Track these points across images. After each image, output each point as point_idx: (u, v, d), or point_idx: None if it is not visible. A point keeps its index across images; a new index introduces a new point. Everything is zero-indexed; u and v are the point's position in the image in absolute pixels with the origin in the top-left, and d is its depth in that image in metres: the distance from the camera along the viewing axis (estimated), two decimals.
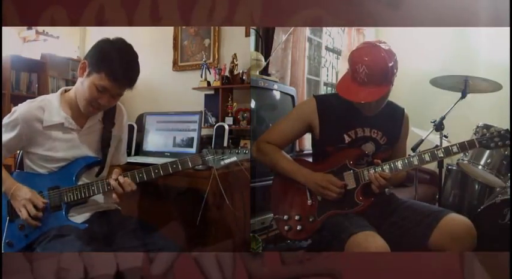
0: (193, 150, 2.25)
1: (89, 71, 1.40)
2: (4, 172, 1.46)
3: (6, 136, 1.45)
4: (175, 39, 4.16)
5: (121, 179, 1.43)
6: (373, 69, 1.46)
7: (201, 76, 3.84)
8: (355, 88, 1.49)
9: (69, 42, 4.26)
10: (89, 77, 1.40)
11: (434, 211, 1.51)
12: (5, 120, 1.46)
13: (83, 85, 1.42)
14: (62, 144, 1.48)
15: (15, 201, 1.41)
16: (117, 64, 1.37)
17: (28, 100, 1.49)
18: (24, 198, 1.40)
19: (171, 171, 1.43)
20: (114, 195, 1.44)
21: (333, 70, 3.88)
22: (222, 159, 1.41)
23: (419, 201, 2.08)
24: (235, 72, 3.68)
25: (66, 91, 1.53)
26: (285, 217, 1.59)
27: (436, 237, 1.43)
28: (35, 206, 1.40)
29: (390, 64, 1.47)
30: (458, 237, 1.41)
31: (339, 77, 3.76)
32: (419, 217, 1.50)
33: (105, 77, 1.37)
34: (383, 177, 1.49)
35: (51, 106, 1.47)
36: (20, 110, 1.46)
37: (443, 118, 2.14)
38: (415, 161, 1.52)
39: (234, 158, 1.42)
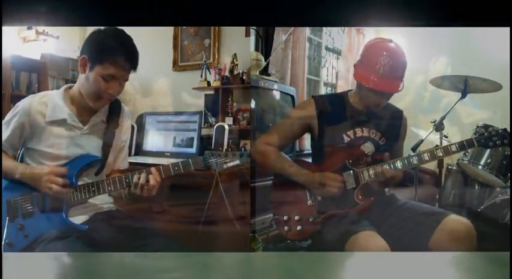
0: (193, 150, 2.25)
1: (91, 65, 1.41)
2: (12, 161, 1.46)
3: (9, 129, 1.45)
4: (175, 39, 4.14)
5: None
6: (397, 61, 1.51)
7: (201, 76, 3.83)
8: (383, 79, 1.51)
9: (69, 42, 4.24)
10: (93, 70, 1.40)
11: (434, 213, 1.51)
12: (8, 115, 1.47)
13: (88, 81, 1.42)
14: (63, 141, 1.47)
15: (37, 181, 1.41)
16: (117, 51, 1.39)
17: (30, 95, 1.51)
18: (44, 173, 1.41)
19: (172, 173, 1.43)
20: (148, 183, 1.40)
21: (333, 70, 3.88)
22: (225, 162, 1.42)
23: (420, 201, 2.08)
24: (235, 72, 3.66)
25: (70, 88, 1.52)
26: (285, 217, 1.59)
27: (436, 238, 1.43)
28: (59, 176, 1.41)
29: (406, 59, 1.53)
30: (459, 238, 1.42)
31: (339, 77, 3.76)
32: (419, 218, 1.50)
33: (110, 65, 1.39)
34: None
35: (54, 102, 1.48)
36: (22, 104, 1.47)
37: (443, 118, 2.14)
38: (415, 160, 1.53)
39: (236, 162, 1.42)
